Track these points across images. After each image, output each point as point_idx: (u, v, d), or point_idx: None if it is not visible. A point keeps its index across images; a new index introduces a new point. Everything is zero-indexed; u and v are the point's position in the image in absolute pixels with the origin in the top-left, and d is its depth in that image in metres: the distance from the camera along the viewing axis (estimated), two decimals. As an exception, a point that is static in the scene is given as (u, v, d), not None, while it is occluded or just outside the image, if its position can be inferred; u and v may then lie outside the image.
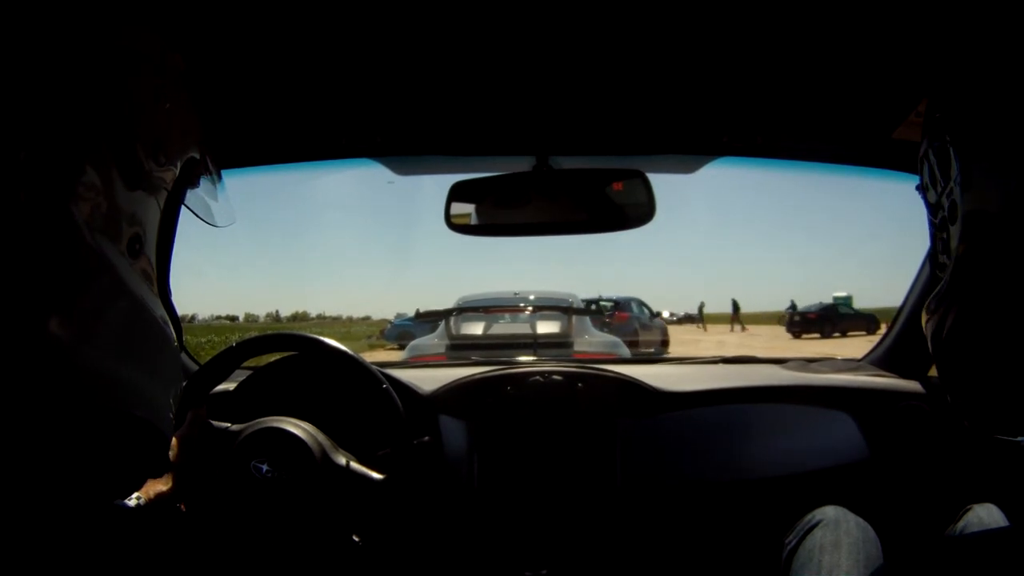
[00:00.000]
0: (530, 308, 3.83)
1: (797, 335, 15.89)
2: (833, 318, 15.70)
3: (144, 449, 0.47)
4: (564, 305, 3.92)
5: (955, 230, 0.45)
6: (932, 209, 0.50)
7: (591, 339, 3.73)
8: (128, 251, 0.43)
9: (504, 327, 3.75)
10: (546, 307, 3.84)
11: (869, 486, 1.14)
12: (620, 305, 10.97)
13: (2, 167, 0.35)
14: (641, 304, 11.65)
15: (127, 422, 0.43)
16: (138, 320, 0.44)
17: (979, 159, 0.44)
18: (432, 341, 3.77)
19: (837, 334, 14.97)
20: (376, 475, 0.90)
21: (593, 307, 8.84)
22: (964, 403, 0.47)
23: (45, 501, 0.43)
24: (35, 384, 0.37)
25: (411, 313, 15.61)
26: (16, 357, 0.36)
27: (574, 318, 3.69)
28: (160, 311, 0.47)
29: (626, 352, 3.93)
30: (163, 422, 0.48)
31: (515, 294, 4.08)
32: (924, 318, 0.49)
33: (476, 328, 3.66)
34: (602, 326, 8.14)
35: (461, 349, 3.40)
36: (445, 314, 3.75)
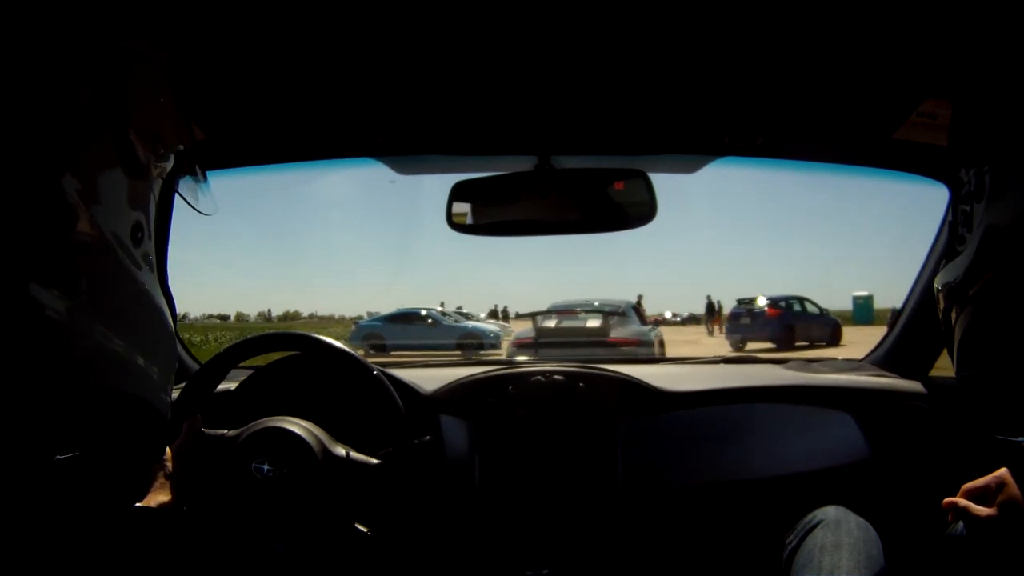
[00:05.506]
0: (583, 311, 6.17)
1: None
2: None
3: (142, 430, 0.47)
4: (609, 308, 6.11)
5: (980, 206, 0.46)
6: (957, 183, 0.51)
7: (624, 329, 5.97)
8: (132, 239, 0.43)
9: (568, 323, 5.92)
10: (593, 310, 6.11)
11: (870, 486, 1.13)
12: (773, 303, 12.84)
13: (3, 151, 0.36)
14: (803, 301, 12.96)
15: (124, 400, 0.43)
16: (139, 304, 0.45)
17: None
18: (527, 331, 6.25)
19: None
20: (374, 460, 0.91)
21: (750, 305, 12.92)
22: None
23: (50, 490, 0.43)
24: (31, 354, 0.38)
25: (383, 312, 13.90)
26: (12, 330, 0.36)
27: (614, 317, 5.98)
28: (160, 299, 0.47)
29: (651, 339, 6.20)
30: (161, 404, 0.48)
31: (584, 301, 6.50)
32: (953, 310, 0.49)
33: (552, 323, 5.91)
34: (754, 319, 12.34)
35: (542, 336, 5.75)
36: (535, 314, 6.26)
